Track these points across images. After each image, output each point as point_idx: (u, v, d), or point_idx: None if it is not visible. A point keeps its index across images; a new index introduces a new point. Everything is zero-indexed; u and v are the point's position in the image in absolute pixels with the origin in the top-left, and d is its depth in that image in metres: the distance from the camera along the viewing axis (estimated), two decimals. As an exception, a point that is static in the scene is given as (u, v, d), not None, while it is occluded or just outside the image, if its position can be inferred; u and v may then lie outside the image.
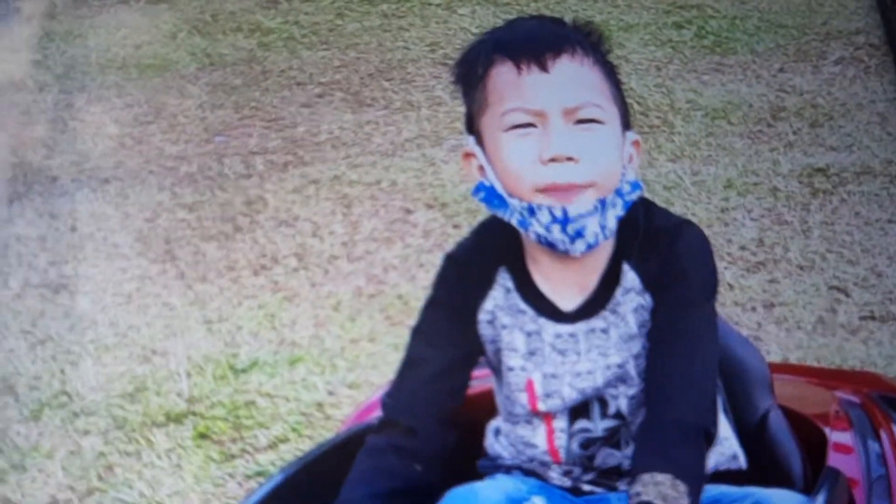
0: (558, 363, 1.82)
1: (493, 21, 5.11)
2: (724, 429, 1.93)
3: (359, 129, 4.99)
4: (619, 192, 1.77)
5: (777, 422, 2.02)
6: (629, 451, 1.83)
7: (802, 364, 3.31)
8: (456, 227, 4.09)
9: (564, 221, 1.76)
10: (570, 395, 1.82)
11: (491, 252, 1.83)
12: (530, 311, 1.83)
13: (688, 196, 4.24)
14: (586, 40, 1.79)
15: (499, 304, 1.85)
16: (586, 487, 1.87)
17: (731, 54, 5.30)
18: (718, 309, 3.38)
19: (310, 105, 5.24)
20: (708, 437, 1.73)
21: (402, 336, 1.92)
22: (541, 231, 1.76)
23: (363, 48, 5.72)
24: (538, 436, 1.85)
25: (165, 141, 5.05)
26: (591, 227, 1.75)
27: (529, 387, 1.84)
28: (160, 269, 4.14)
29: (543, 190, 1.74)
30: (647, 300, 1.79)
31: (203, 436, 3.28)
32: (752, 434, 1.98)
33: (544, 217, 1.76)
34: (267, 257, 4.15)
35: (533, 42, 1.77)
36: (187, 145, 5.00)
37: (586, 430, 1.84)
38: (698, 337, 1.76)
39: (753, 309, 3.60)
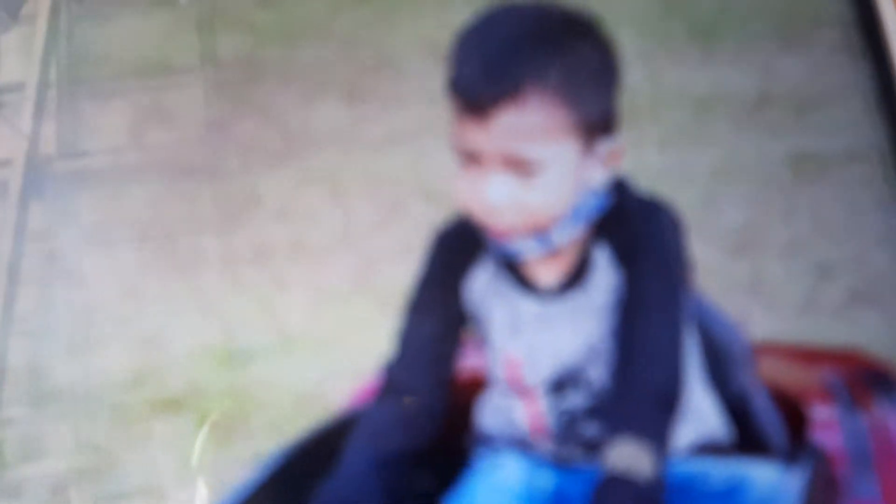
0: (538, 339, 1.87)
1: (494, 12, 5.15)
2: (707, 404, 1.98)
3: (353, 122, 5.05)
4: (577, 212, 1.80)
5: (759, 397, 2.07)
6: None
7: (786, 343, 3.37)
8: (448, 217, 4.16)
9: (502, 254, 1.85)
10: (550, 370, 1.87)
11: (477, 230, 1.85)
12: (512, 288, 1.89)
13: (675, 183, 4.30)
14: (552, 61, 1.74)
15: (483, 280, 1.90)
16: (572, 459, 1.91)
17: (719, 43, 5.35)
18: (703, 293, 3.43)
19: (305, 99, 5.30)
20: (673, 402, 1.77)
21: (396, 324, 1.99)
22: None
23: (357, 43, 5.78)
24: (520, 410, 1.91)
25: (163, 136, 5.12)
26: (530, 253, 1.82)
27: (510, 361, 1.89)
28: (159, 260, 4.21)
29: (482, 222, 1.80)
30: (618, 275, 1.84)
31: (202, 423, 3.35)
32: (734, 409, 2.02)
33: (489, 241, 1.84)
34: (263, 248, 4.21)
35: (478, 85, 1.73)
36: (184, 140, 5.06)
37: (566, 405, 1.89)
38: (664, 309, 1.80)
39: (740, 292, 3.67)
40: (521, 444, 1.94)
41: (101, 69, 5.82)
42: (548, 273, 1.88)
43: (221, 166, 4.84)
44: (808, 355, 2.83)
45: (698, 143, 4.58)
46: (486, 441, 1.97)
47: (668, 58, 5.29)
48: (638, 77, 5.11)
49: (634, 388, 1.77)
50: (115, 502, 3.11)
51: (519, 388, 1.90)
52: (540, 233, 1.80)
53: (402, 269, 3.92)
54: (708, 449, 1.95)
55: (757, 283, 3.70)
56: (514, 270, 1.89)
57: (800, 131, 4.59)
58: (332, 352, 3.59)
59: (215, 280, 4.06)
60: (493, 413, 1.96)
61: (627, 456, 1.71)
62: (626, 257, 1.84)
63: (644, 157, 4.52)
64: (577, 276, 1.86)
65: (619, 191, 1.86)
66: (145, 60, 5.84)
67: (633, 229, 1.84)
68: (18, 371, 3.69)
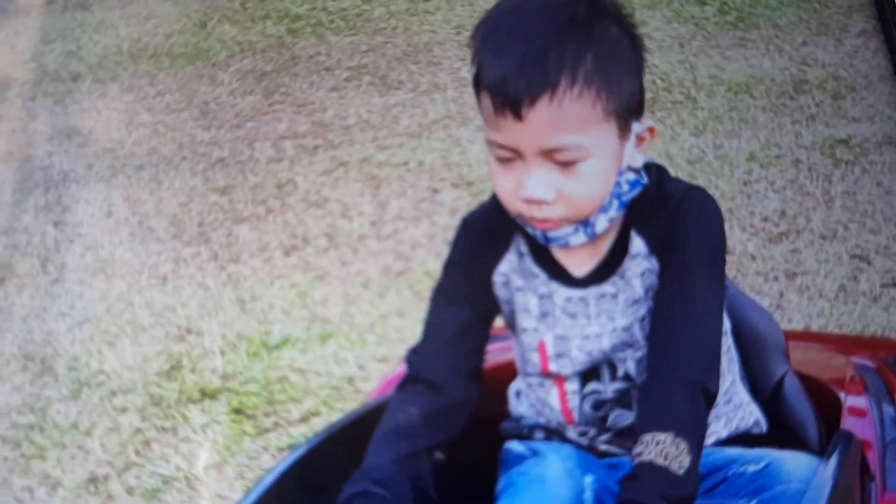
0: (568, 326, 1.86)
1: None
2: (743, 394, 1.97)
3: (386, 111, 5.06)
4: (615, 197, 1.79)
5: (792, 386, 2.05)
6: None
7: (819, 331, 3.35)
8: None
9: (546, 240, 1.83)
10: (579, 357, 1.86)
11: (506, 217, 1.83)
12: (543, 275, 1.87)
13: (711, 169, 4.29)
14: (585, 50, 1.71)
15: (513, 267, 1.89)
16: (603, 447, 1.91)
17: (754, 29, 5.33)
18: (741, 279, 3.43)
19: (338, 89, 5.31)
20: (708, 395, 1.75)
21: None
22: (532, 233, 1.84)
23: (390, 32, 5.79)
24: (552, 397, 1.91)
25: (197, 127, 5.14)
26: (575, 239, 1.80)
27: (541, 348, 1.88)
28: (194, 251, 4.22)
29: (524, 214, 1.79)
30: (653, 264, 1.82)
31: (237, 411, 3.37)
32: (767, 399, 2.01)
33: (530, 228, 1.82)
34: (298, 238, 4.23)
35: (514, 83, 1.70)
36: (219, 131, 5.08)
37: (597, 392, 1.88)
38: (701, 299, 1.78)
39: (776, 279, 3.65)
40: (555, 431, 1.93)
41: (133, 59, 5.85)
42: (580, 260, 1.86)
43: (255, 156, 4.86)
44: (842, 342, 2.82)
45: (734, 129, 4.56)
46: (520, 428, 1.96)
47: (703, 44, 5.27)
48: (673, 63, 5.10)
49: (671, 380, 1.74)
50: (151, 491, 3.12)
51: (551, 376, 1.89)
52: (583, 221, 1.78)
53: (437, 256, 3.94)
54: (740, 438, 1.94)
55: (793, 268, 3.68)
56: (545, 257, 1.87)
57: (835, 117, 4.57)
58: (367, 340, 3.59)
59: (250, 270, 4.08)
60: (525, 400, 1.96)
61: (662, 447, 1.69)
62: (663, 246, 1.82)
63: (680, 143, 4.50)
64: (610, 264, 1.85)
65: (654, 173, 1.85)
66: (178, 50, 5.86)
67: (670, 217, 1.81)
68: (57, 360, 3.71)
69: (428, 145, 4.71)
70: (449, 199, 4.31)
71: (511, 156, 1.74)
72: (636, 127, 1.79)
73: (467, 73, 1.79)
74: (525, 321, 1.90)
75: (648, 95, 1.82)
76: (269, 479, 1.93)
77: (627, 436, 1.87)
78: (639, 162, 1.81)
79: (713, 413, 1.84)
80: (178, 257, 4.19)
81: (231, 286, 3.98)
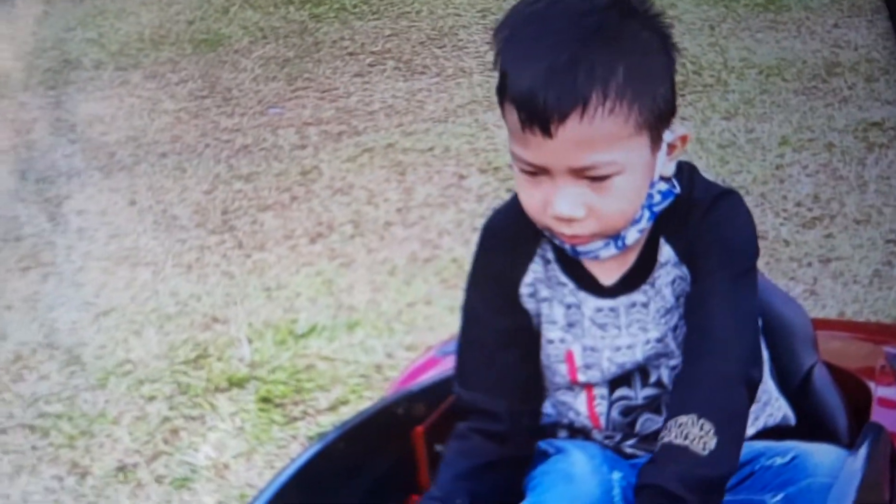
0: (598, 337, 1.81)
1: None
2: (772, 391, 1.92)
3: (411, 96, 5.01)
4: (646, 206, 1.73)
5: (821, 378, 2.02)
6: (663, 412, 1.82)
7: (848, 319, 3.30)
8: (509, 190, 4.10)
9: (575, 253, 1.77)
10: (610, 368, 1.81)
11: (530, 223, 1.75)
12: (571, 284, 1.81)
13: (742, 154, 4.23)
14: (616, 62, 1.62)
15: (539, 277, 1.82)
16: (628, 451, 1.86)
17: (785, 11, 5.27)
18: (774, 265, 3.37)
19: (362, 75, 5.26)
20: (751, 382, 1.70)
21: (457, 298, 1.91)
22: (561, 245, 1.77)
23: (414, 16, 5.74)
24: (579, 402, 1.86)
25: (221, 114, 5.10)
26: (605, 252, 1.75)
27: (569, 358, 1.82)
28: (219, 239, 4.18)
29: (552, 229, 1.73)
30: (684, 272, 1.76)
31: (265, 399, 3.33)
32: (796, 391, 1.98)
33: (558, 241, 1.76)
34: (323, 225, 4.19)
35: (542, 99, 1.61)
36: (242, 118, 5.04)
37: (626, 398, 1.83)
38: (735, 300, 1.72)
39: (809, 264, 3.60)
40: (579, 430, 1.89)
41: (155, 46, 5.82)
42: (609, 268, 1.80)
43: (279, 143, 4.82)
44: (872, 330, 2.78)
45: (765, 113, 4.51)
46: (549, 434, 1.91)
47: (733, 26, 5.22)
48: (704, 46, 5.04)
49: (702, 371, 1.69)
50: (180, 480, 3.09)
51: (580, 384, 1.84)
52: (612, 235, 1.73)
53: (464, 243, 3.90)
54: (770, 430, 1.90)
55: (826, 254, 3.63)
56: (572, 265, 1.81)
57: (868, 99, 4.50)
58: (394, 328, 3.55)
59: (276, 258, 4.04)
60: (554, 406, 1.89)
61: (683, 428, 1.65)
62: (692, 254, 1.75)
63: (711, 127, 4.45)
64: (639, 272, 1.79)
65: (686, 177, 1.78)
66: (200, 36, 5.83)
67: (697, 225, 1.74)
68: (83, 349, 3.68)
69: (454, 130, 4.67)
70: (476, 185, 4.26)
71: (538, 171, 1.67)
72: (667, 136, 1.71)
73: (493, 57, 1.69)
74: (551, 332, 1.83)
75: (679, 79, 1.74)
76: (299, 466, 1.92)
77: (655, 440, 1.79)
78: (670, 171, 1.74)
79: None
80: (202, 245, 4.16)
81: (256, 274, 3.94)
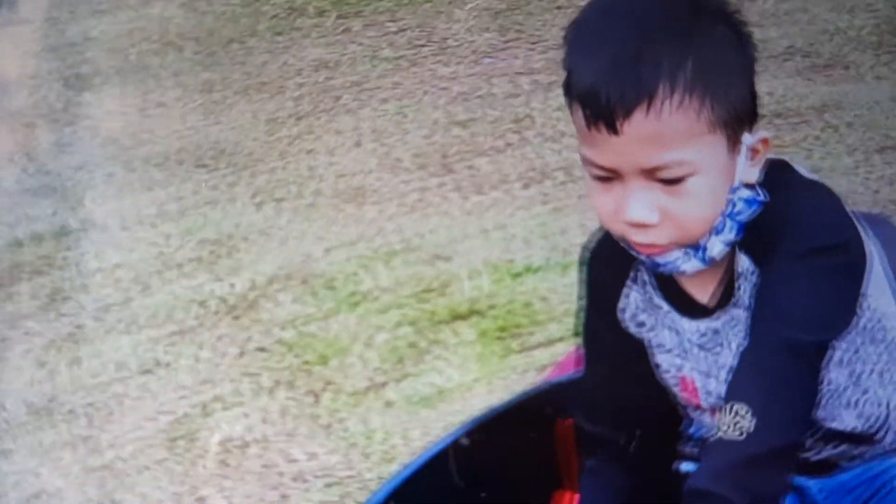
0: (710, 361, 1.73)
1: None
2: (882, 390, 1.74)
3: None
4: (730, 217, 1.63)
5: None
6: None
7: None
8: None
9: (655, 266, 1.68)
10: (724, 387, 1.68)
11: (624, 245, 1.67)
12: (670, 308, 1.73)
13: None
14: (685, 54, 1.55)
15: (637, 301, 1.76)
16: None
17: None
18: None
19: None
20: (801, 349, 1.58)
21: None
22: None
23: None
24: (705, 418, 1.79)
25: (437, 63, 5.37)
26: (688, 265, 1.65)
27: (688, 385, 1.77)
28: (439, 181, 4.46)
29: (627, 238, 1.64)
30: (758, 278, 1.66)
31: (486, 333, 3.60)
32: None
33: (635, 253, 1.67)
34: (536, 171, 4.43)
35: (606, 94, 1.54)
36: (458, 66, 5.30)
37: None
38: (795, 275, 1.59)
39: None
40: None
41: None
42: (703, 286, 1.70)
43: (493, 91, 5.06)
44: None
45: None
46: (689, 455, 1.84)
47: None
48: None
49: (766, 340, 1.60)
50: (416, 405, 3.36)
51: (696, 408, 1.79)
52: (694, 245, 1.63)
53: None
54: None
55: None
56: (668, 288, 1.73)
57: None
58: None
59: (492, 201, 4.30)
60: (690, 425, 1.83)
61: (722, 420, 1.56)
62: (761, 252, 1.64)
63: None
64: (730, 288, 1.69)
65: (774, 182, 1.65)
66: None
67: (767, 221, 1.63)
68: (316, 280, 3.98)
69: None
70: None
71: (609, 175, 1.59)
72: (747, 139, 1.62)
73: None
74: (660, 357, 1.77)
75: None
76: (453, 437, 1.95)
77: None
78: (753, 177, 1.63)
79: (871, 425, 1.72)
80: (423, 187, 4.44)
81: (475, 216, 4.21)
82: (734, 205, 1.62)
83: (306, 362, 3.62)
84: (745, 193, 1.63)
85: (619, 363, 1.78)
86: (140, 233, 4.44)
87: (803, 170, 1.69)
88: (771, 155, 1.66)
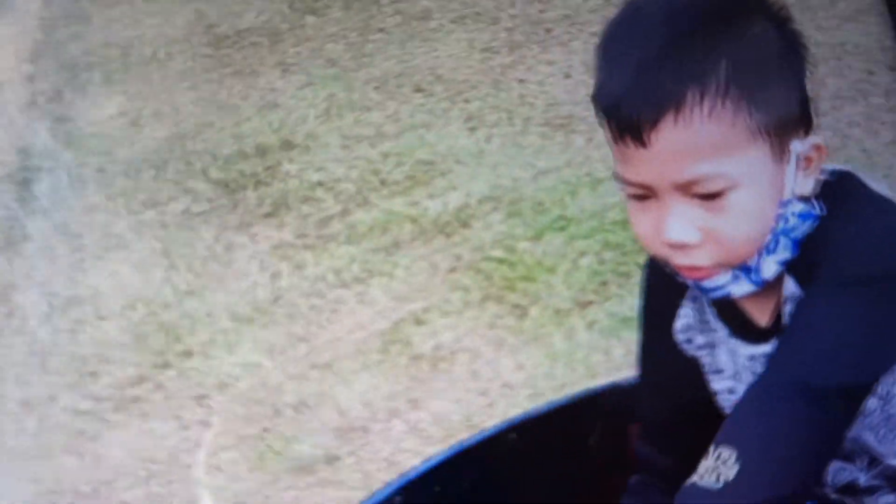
0: None
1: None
2: None
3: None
4: (782, 232, 1.49)
5: None
6: (864, 463, 1.58)
7: None
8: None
9: (703, 290, 1.55)
10: None
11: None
12: (725, 329, 1.62)
13: None
14: (717, 54, 1.43)
15: (691, 322, 1.65)
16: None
17: None
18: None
19: None
20: (813, 393, 1.42)
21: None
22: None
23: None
24: None
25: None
26: (738, 289, 1.52)
27: None
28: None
29: (670, 261, 1.53)
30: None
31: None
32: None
33: (680, 277, 1.55)
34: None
35: (630, 102, 1.44)
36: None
37: None
38: (831, 306, 1.45)
39: None
40: None
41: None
42: (762, 308, 1.57)
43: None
44: None
45: None
46: None
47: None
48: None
49: (776, 380, 1.47)
50: (619, 325, 3.55)
51: None
52: (742, 265, 1.50)
53: (872, 134, 4.18)
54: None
55: None
56: (724, 308, 1.61)
57: None
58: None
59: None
60: None
61: (703, 464, 1.43)
62: (805, 275, 1.50)
63: None
64: (781, 313, 1.56)
65: (835, 194, 1.51)
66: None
67: (814, 240, 1.50)
68: (522, 204, 4.20)
69: (863, 30, 4.89)
70: (885, 81, 4.52)
71: (644, 192, 1.49)
72: (797, 146, 1.48)
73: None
74: (716, 382, 1.65)
75: None
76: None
77: (849, 492, 1.61)
78: (807, 188, 1.49)
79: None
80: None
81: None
82: (786, 220, 1.49)
83: (514, 279, 3.85)
84: (799, 207, 1.50)
85: (673, 385, 1.68)
86: (359, 150, 4.71)
87: (875, 183, 1.54)
88: (838, 166, 1.54)
